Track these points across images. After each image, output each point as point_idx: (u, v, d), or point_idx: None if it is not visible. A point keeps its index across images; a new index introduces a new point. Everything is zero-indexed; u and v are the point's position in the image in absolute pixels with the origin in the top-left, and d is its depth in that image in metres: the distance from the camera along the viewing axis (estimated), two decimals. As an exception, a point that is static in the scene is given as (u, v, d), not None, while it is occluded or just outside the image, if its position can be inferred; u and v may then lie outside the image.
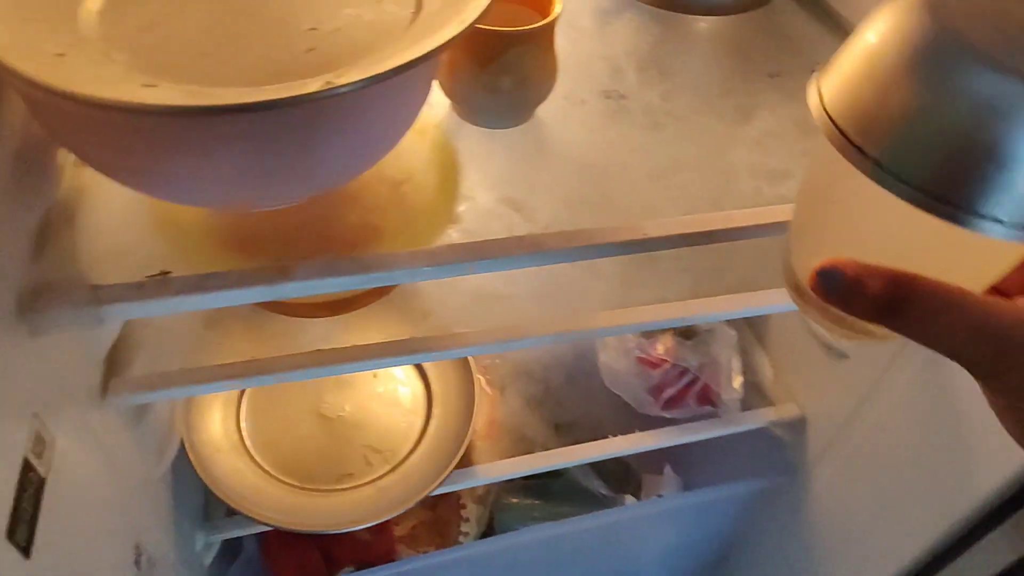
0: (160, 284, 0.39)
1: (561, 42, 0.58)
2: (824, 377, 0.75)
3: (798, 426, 0.79)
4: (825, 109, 0.26)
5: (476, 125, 0.50)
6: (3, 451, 0.34)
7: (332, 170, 0.38)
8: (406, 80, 0.34)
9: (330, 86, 0.31)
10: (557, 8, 0.46)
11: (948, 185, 0.23)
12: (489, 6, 0.38)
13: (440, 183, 0.47)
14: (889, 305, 0.24)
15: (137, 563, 0.50)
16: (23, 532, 0.34)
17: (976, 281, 0.27)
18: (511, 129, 0.50)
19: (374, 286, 0.41)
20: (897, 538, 0.69)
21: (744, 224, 0.46)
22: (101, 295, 0.38)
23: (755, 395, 0.81)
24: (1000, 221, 0.23)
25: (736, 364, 0.74)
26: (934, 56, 0.24)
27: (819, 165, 0.30)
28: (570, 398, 0.77)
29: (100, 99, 0.30)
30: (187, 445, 0.61)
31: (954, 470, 0.62)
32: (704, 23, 0.64)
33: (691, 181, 0.48)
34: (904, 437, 0.67)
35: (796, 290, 0.31)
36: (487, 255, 0.42)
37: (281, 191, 0.38)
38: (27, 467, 0.36)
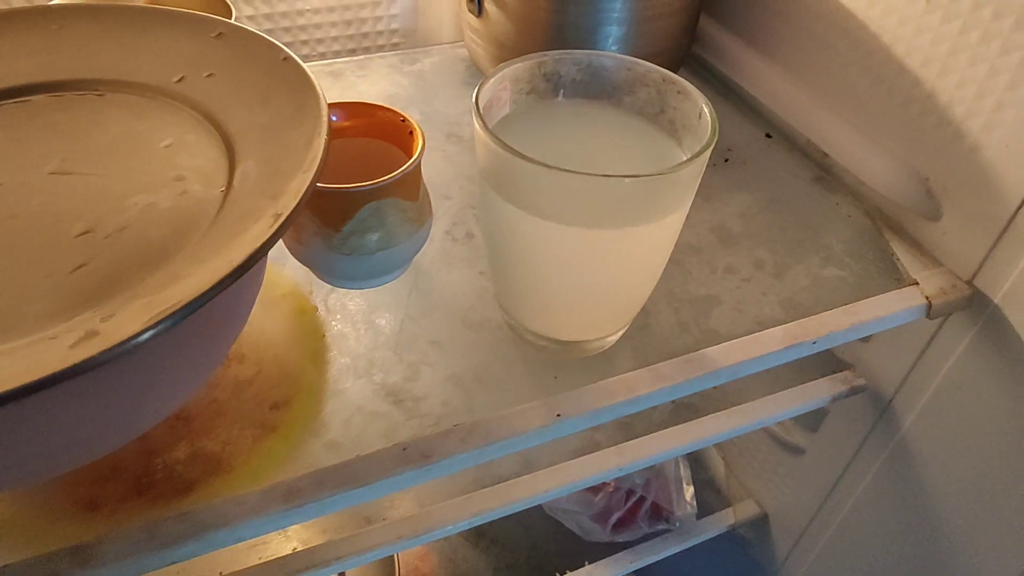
0: (-99, 608, 0.28)
1: (437, 163, 0.50)
2: (781, 473, 0.68)
3: (761, 524, 0.72)
4: None
5: (340, 288, 0.41)
6: None
7: (129, 425, 0.28)
8: (212, 306, 0.25)
9: (63, 365, 0.22)
10: (419, 144, 0.38)
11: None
12: (317, 174, 0.29)
13: (300, 372, 0.38)
14: None
15: None
16: None
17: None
18: (389, 284, 0.41)
19: (214, 550, 0.31)
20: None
21: (674, 381, 0.38)
22: None
23: (709, 492, 0.73)
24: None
25: (685, 473, 0.66)
26: None
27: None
28: (510, 535, 0.67)
29: None
30: None
31: (930, 570, 0.55)
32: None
33: (605, 325, 0.40)
34: (876, 535, 0.60)
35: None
36: (363, 480, 0.33)
37: (60, 464, 0.28)
38: None
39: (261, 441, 0.34)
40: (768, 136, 0.56)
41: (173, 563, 0.30)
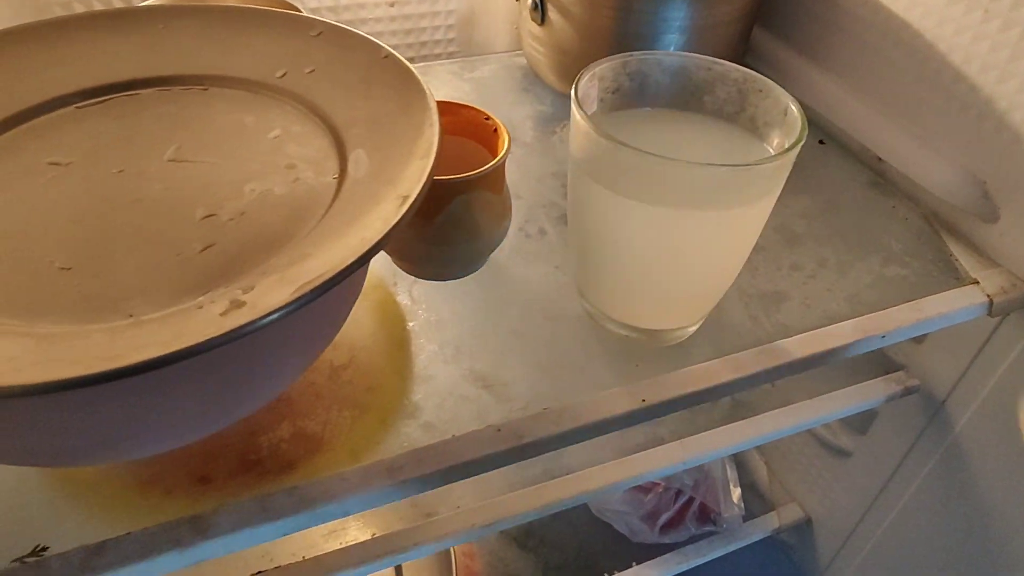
0: (33, 572, 0.29)
1: (507, 165, 0.51)
2: (827, 476, 0.69)
3: (804, 529, 0.72)
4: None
5: (422, 279, 0.43)
6: None
7: (249, 398, 0.30)
8: (340, 287, 0.26)
9: (224, 330, 0.23)
10: (505, 141, 0.39)
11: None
12: (436, 161, 0.30)
13: (389, 359, 0.39)
14: None
15: None
16: None
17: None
18: (467, 279, 0.43)
19: (322, 523, 0.32)
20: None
21: (751, 370, 0.39)
22: (-53, 602, 0.28)
23: (752, 496, 0.74)
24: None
25: (732, 475, 0.67)
26: None
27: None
28: (558, 535, 0.68)
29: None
30: None
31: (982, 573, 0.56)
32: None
33: (679, 318, 0.42)
34: (925, 540, 0.61)
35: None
36: (459, 458, 0.34)
37: (181, 435, 0.29)
38: None
39: (358, 422, 0.36)
40: (821, 142, 0.57)
41: (284, 534, 0.32)
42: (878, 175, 0.54)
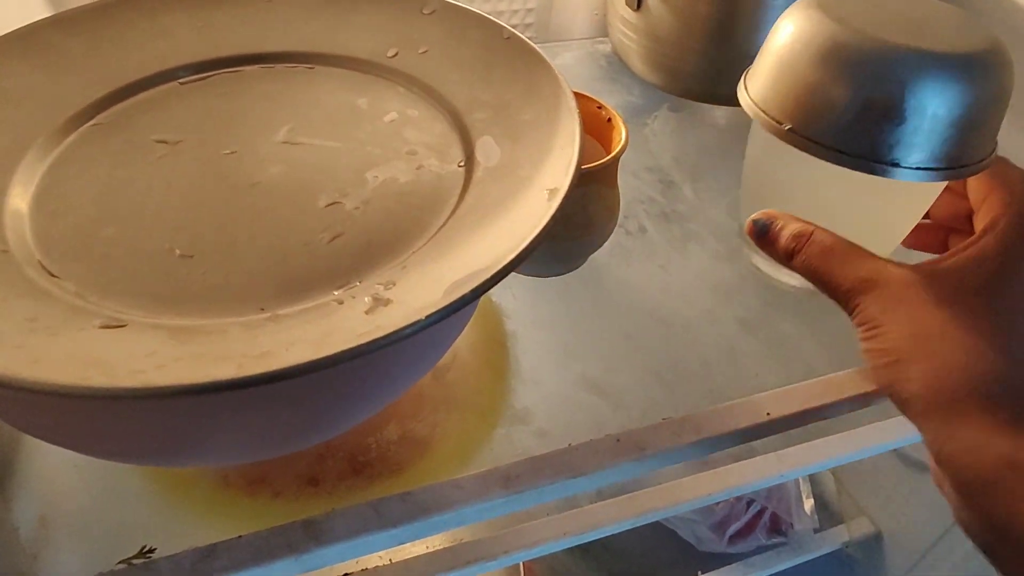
0: (141, 574, 0.28)
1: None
2: (903, 490, 0.66)
3: (873, 544, 0.70)
4: (751, 99, 0.35)
5: (521, 274, 0.41)
6: None
7: (376, 401, 0.28)
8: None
9: (382, 332, 0.21)
10: (623, 133, 0.37)
11: (852, 140, 0.31)
12: (582, 153, 0.28)
13: (489, 360, 0.37)
14: (789, 249, 0.31)
15: None
16: None
17: (891, 222, 0.36)
18: (566, 277, 0.41)
19: (436, 533, 0.31)
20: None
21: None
22: (55, 604, 0.27)
23: (819, 510, 0.71)
24: (902, 165, 0.31)
25: (805, 486, 0.65)
26: (830, 41, 0.31)
27: (754, 146, 0.38)
28: (622, 541, 0.66)
29: (38, 384, 0.19)
30: None
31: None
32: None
33: (793, 328, 0.39)
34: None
35: (748, 242, 0.36)
36: (579, 469, 0.32)
37: (304, 439, 0.27)
38: None
39: (465, 425, 0.34)
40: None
41: (400, 543, 0.30)
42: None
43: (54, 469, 0.30)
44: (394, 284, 0.24)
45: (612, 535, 0.69)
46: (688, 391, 0.36)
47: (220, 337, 0.23)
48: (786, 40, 0.33)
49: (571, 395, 0.35)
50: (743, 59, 0.50)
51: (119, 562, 0.28)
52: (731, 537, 0.64)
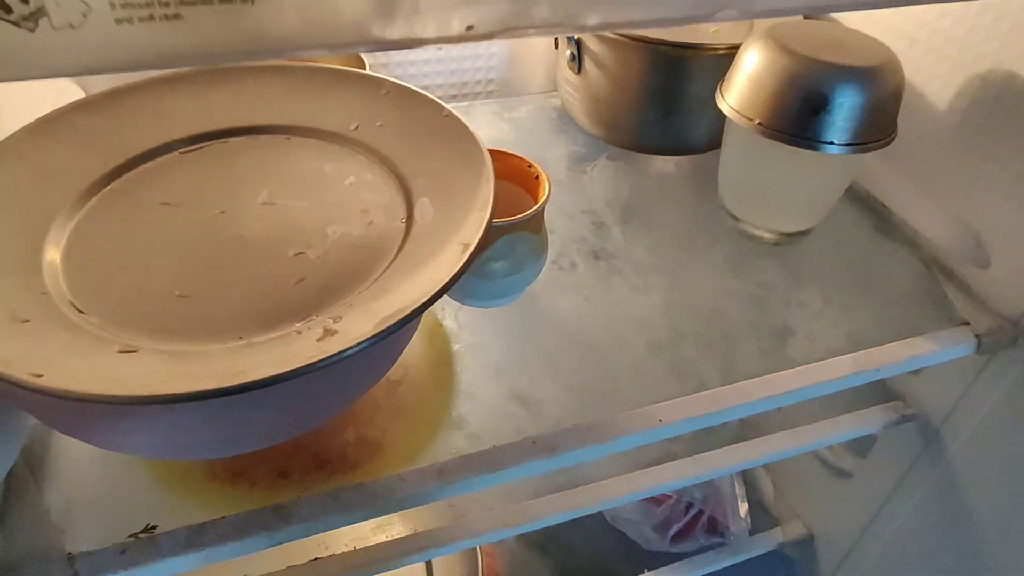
0: (146, 545, 0.35)
1: (543, 201, 0.57)
2: (829, 495, 0.73)
3: (807, 545, 0.77)
4: (729, 105, 0.50)
5: (468, 305, 0.48)
6: None
7: (330, 407, 0.35)
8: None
9: (325, 355, 0.29)
10: (546, 188, 0.45)
11: (799, 128, 0.47)
12: (492, 213, 0.36)
13: (436, 376, 0.45)
14: None
15: None
16: None
17: (825, 190, 0.53)
18: (505, 307, 0.48)
19: (383, 515, 0.38)
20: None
21: (757, 396, 0.44)
22: (79, 567, 0.34)
23: (759, 513, 0.79)
24: (832, 143, 0.47)
25: (740, 491, 0.72)
26: (781, 62, 0.47)
27: (730, 141, 0.53)
28: (574, 541, 0.73)
29: (74, 393, 0.27)
30: None
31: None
32: (674, 163, 0.64)
33: (693, 351, 0.47)
34: (918, 558, 0.65)
35: (729, 217, 0.55)
36: (499, 466, 0.40)
37: (276, 435, 0.35)
38: None
39: (411, 431, 0.41)
40: (831, 187, 0.62)
41: (352, 523, 0.37)
42: (882, 220, 0.59)
43: (77, 463, 0.38)
44: (341, 318, 0.32)
45: (566, 534, 0.76)
46: (598, 403, 0.43)
47: (207, 359, 0.30)
48: (751, 61, 0.48)
49: (500, 406, 0.42)
50: (669, 116, 0.58)
51: (128, 536, 0.35)
52: (673, 537, 0.71)
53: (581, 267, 0.52)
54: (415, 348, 0.46)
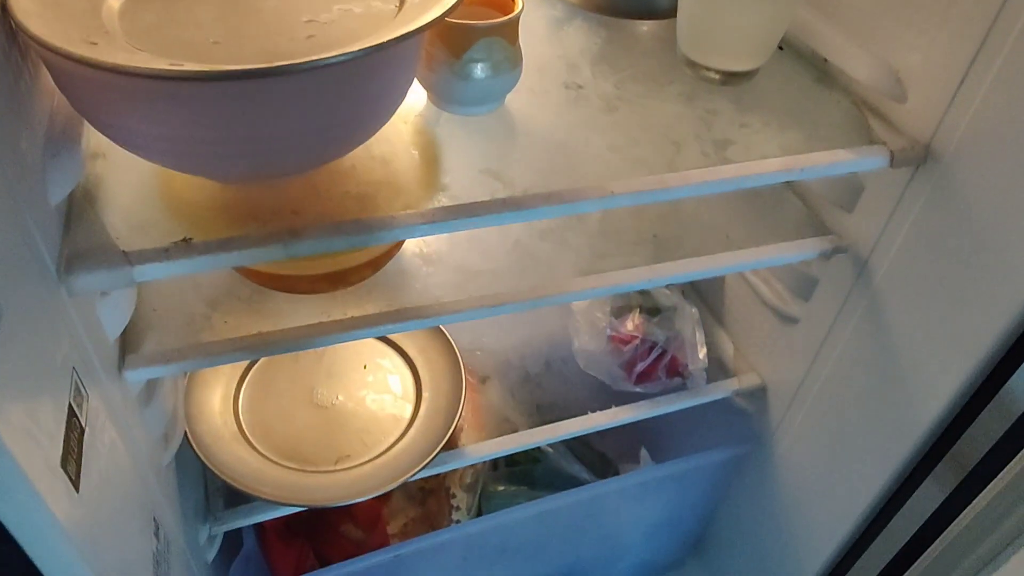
0: (185, 248, 0.43)
1: (522, 45, 0.65)
2: (779, 345, 0.81)
3: (759, 395, 0.85)
4: None
5: (452, 112, 0.56)
6: (53, 393, 0.37)
7: (336, 136, 0.43)
8: (397, 53, 0.40)
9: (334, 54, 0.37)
10: (519, 5, 0.53)
11: None
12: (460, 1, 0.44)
13: (424, 160, 0.53)
14: None
15: (156, 535, 0.52)
16: (72, 467, 0.38)
17: (771, 27, 0.60)
18: (484, 116, 0.56)
19: (375, 244, 0.46)
20: (853, 488, 0.75)
21: (697, 180, 0.52)
22: (132, 258, 0.42)
23: (718, 370, 0.87)
24: None
25: (700, 337, 0.80)
26: None
27: None
28: (549, 383, 0.81)
29: (143, 69, 0.35)
30: (190, 435, 0.64)
31: (894, 415, 0.68)
32: (645, 26, 0.71)
33: (647, 151, 0.55)
34: (849, 389, 0.73)
35: (686, 63, 0.63)
36: (476, 213, 0.48)
37: (290, 159, 0.43)
38: (72, 412, 0.39)
39: (403, 192, 0.49)
40: (780, 48, 0.70)
41: (352, 247, 0.45)
42: (822, 72, 0.67)
43: (127, 195, 0.46)
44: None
45: (543, 378, 0.84)
46: (561, 181, 0.51)
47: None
48: None
49: (477, 178, 0.51)
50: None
51: (171, 242, 0.43)
52: (638, 376, 0.79)
53: (554, 93, 0.60)
54: (405, 139, 0.54)
